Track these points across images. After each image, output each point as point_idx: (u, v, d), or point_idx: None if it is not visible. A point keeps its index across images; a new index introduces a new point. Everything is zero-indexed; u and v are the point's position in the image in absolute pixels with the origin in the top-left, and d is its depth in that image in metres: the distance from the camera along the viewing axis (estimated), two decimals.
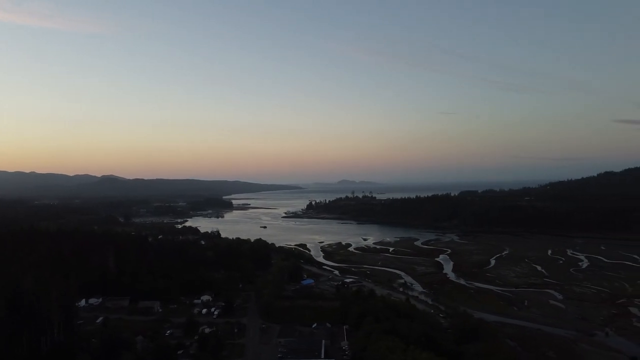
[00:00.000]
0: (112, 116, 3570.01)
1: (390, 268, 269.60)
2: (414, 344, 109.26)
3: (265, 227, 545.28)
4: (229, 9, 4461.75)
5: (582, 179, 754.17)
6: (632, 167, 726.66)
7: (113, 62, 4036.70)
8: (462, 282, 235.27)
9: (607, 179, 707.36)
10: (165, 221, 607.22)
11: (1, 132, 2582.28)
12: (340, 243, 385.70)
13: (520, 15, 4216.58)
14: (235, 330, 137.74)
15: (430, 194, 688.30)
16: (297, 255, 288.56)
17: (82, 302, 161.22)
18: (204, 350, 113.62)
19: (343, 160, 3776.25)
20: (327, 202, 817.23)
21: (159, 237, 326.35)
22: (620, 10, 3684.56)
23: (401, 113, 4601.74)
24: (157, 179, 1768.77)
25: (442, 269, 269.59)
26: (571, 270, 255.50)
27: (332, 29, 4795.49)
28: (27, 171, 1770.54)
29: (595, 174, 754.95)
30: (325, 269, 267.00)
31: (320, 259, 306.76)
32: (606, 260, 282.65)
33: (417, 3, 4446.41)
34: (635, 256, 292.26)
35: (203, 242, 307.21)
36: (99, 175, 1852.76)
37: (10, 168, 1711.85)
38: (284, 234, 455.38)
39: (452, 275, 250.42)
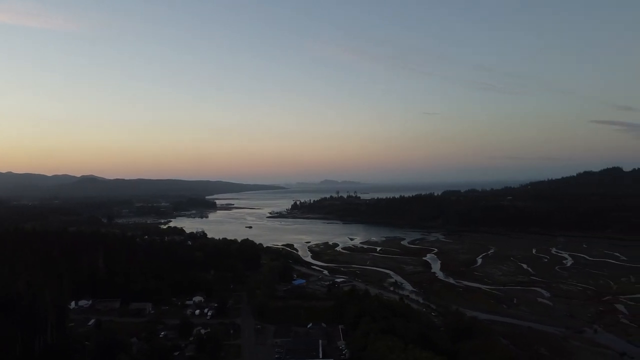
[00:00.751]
0: (91, 115, 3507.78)
1: (379, 267, 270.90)
2: (411, 343, 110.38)
3: (250, 227, 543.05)
4: (211, 7, 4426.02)
5: (562, 178, 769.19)
6: (610, 167, 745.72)
7: (92, 61, 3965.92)
8: (450, 280, 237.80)
9: (586, 178, 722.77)
10: (148, 222, 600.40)
11: None
12: (327, 243, 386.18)
13: (501, 17, 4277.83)
14: (231, 331, 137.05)
15: (413, 194, 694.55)
16: (286, 255, 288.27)
17: (72, 304, 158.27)
18: (202, 351, 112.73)
19: (326, 161, 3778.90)
20: (311, 202, 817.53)
21: (145, 237, 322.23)
22: (598, 14, 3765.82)
23: (384, 113, 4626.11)
24: (138, 179, 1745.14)
25: (430, 268, 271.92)
26: (556, 268, 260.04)
27: (314, 28, 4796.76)
28: (4, 171, 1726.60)
29: (574, 174, 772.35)
30: (314, 268, 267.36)
31: (309, 259, 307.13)
32: (589, 259, 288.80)
33: (401, 4, 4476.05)
34: (617, 254, 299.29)
35: (190, 243, 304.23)
36: (78, 175, 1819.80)
37: None
38: (270, 234, 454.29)
39: (440, 274, 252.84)
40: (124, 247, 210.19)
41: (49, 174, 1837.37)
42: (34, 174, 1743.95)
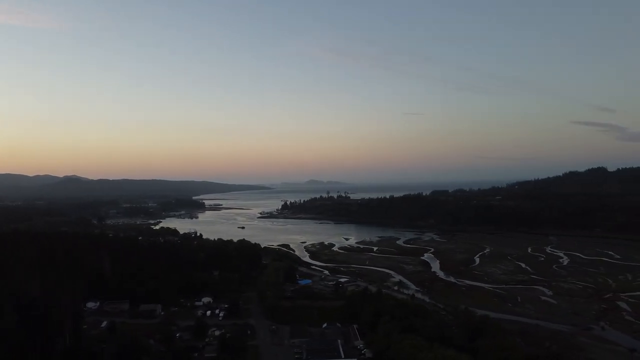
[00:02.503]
0: (73, 115, 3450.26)
1: (379, 267, 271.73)
2: (434, 342, 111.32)
3: (243, 227, 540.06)
4: (196, 8, 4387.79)
5: (549, 178, 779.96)
6: (595, 167, 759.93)
7: (75, 59, 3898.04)
8: (452, 280, 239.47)
9: (572, 178, 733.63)
10: (138, 222, 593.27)
11: None
12: (323, 243, 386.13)
13: (484, 19, 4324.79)
14: (248, 332, 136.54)
15: (401, 194, 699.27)
16: (285, 256, 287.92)
17: None
18: (224, 352, 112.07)
19: (310, 161, 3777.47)
20: (302, 202, 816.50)
21: (140, 238, 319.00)
22: (579, 16, 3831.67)
23: (369, 113, 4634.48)
24: (122, 180, 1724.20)
25: (430, 267, 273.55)
26: (554, 267, 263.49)
27: (296, 27, 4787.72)
28: None
29: (558, 174, 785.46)
30: (313, 268, 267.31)
31: (307, 259, 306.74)
32: (584, 257, 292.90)
33: (385, 4, 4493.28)
34: (610, 252, 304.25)
35: (194, 243, 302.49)
36: (60, 175, 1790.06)
37: None
38: (264, 235, 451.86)
39: (441, 274, 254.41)
40: (127, 248, 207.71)
41: (31, 174, 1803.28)
42: (15, 174, 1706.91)
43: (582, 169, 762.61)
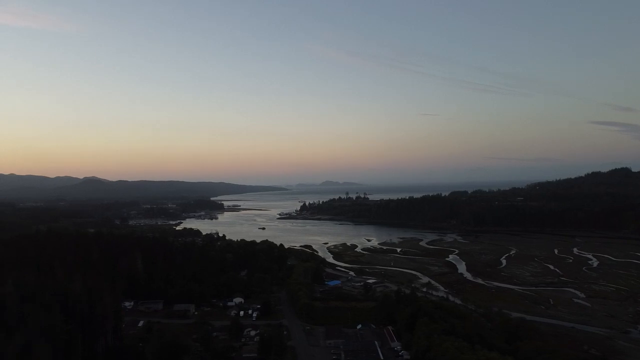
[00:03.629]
0: (92, 117, 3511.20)
1: (404, 268, 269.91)
2: (475, 344, 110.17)
3: (263, 228, 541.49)
4: (212, 6, 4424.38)
5: (570, 179, 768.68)
6: (617, 167, 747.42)
7: (96, 62, 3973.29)
8: (479, 281, 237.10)
9: (595, 179, 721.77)
10: (159, 223, 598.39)
11: None
12: (345, 244, 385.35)
13: (500, 19, 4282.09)
14: (285, 332, 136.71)
15: (417, 195, 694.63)
16: (310, 256, 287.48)
17: None
18: (265, 352, 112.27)
19: (326, 162, 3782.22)
20: (320, 203, 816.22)
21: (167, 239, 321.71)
22: (597, 15, 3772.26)
23: (383, 114, 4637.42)
24: (141, 181, 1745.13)
25: (457, 269, 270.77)
26: (584, 269, 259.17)
27: (313, 29, 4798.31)
28: (6, 173, 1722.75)
29: (573, 175, 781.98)
30: (339, 269, 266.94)
31: (331, 260, 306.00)
32: (614, 259, 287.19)
33: (399, 5, 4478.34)
34: None
35: (219, 244, 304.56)
36: (80, 177, 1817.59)
37: None
38: (285, 235, 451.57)
39: (468, 275, 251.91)
40: (157, 249, 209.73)
41: (52, 176, 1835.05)
42: (36, 176, 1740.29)
43: (599, 169, 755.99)
